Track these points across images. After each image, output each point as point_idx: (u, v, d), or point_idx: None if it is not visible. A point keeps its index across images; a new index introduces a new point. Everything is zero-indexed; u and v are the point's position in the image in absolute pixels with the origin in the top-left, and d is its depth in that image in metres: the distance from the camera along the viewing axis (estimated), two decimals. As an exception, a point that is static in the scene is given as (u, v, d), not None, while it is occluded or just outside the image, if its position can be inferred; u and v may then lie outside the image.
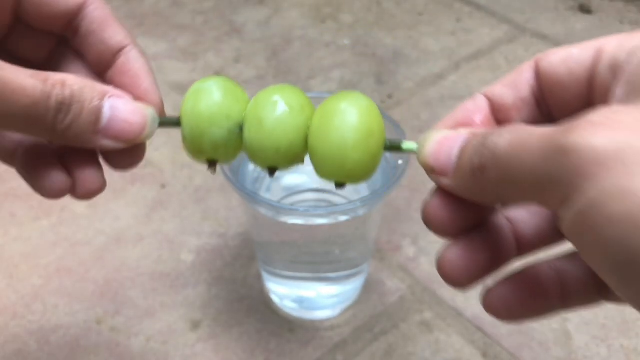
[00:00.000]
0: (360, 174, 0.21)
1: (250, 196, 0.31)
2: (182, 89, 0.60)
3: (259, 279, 0.42)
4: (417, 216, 0.47)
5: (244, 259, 0.43)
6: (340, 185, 0.22)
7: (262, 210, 0.32)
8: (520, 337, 0.38)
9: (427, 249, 0.44)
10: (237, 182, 0.32)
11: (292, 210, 0.32)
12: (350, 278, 0.38)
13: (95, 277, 0.42)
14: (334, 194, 0.39)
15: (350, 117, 0.20)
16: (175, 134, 0.56)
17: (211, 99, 0.22)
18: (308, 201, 0.39)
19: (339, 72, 0.62)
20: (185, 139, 0.23)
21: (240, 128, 0.22)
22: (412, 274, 0.42)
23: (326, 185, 0.39)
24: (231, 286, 0.42)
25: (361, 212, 0.32)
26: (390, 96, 0.59)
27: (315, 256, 0.36)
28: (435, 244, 0.44)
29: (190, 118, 0.22)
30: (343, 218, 0.32)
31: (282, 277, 0.38)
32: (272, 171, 0.23)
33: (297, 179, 0.39)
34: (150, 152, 0.52)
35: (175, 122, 0.23)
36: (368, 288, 0.41)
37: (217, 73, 0.62)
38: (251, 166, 0.37)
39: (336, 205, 0.37)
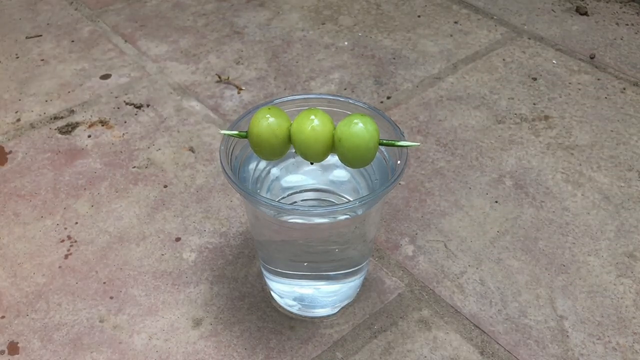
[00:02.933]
0: (368, 162, 0.34)
1: (251, 196, 0.32)
2: (183, 90, 0.60)
3: (260, 277, 0.43)
4: (416, 215, 0.47)
5: (245, 258, 0.44)
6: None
7: (263, 210, 0.33)
8: (517, 334, 0.39)
9: (425, 248, 0.45)
10: (238, 182, 0.32)
11: (292, 210, 0.32)
12: (349, 276, 0.38)
13: (99, 276, 0.43)
14: (333, 193, 0.40)
15: (364, 134, 0.33)
16: (176, 135, 0.56)
17: (267, 121, 0.33)
18: (308, 201, 0.40)
19: (338, 74, 0.63)
20: (252, 147, 0.34)
21: (288, 138, 0.34)
22: (411, 272, 0.43)
23: (325, 185, 0.40)
24: (232, 284, 0.42)
25: (360, 211, 0.33)
26: (389, 97, 0.59)
27: (315, 255, 0.37)
28: (434, 242, 0.45)
29: (255, 133, 0.34)
30: (342, 217, 0.33)
31: (282, 275, 0.38)
32: (312, 163, 0.36)
33: (297, 178, 0.40)
34: (153, 153, 0.53)
35: (244, 136, 0.35)
36: (367, 286, 0.42)
37: (219, 74, 0.62)
38: (252, 166, 0.38)
39: (335, 204, 0.38)
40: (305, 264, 0.37)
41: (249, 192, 0.32)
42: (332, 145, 0.34)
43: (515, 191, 0.49)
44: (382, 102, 0.59)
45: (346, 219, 0.33)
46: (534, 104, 0.58)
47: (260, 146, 0.34)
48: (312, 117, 0.34)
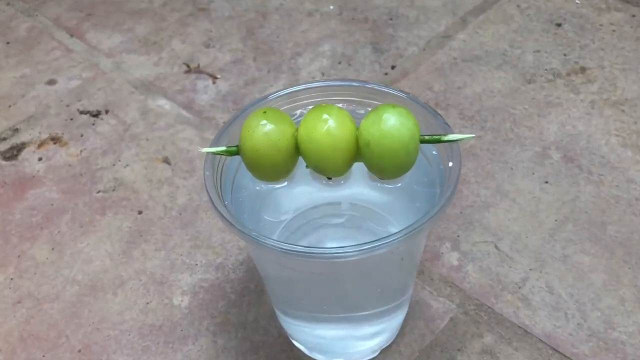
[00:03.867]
0: (407, 169, 0.26)
1: (255, 240, 0.23)
2: (147, 87, 0.50)
3: (274, 318, 0.34)
4: (453, 212, 0.38)
5: (251, 294, 0.35)
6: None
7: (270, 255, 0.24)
8: (608, 355, 0.31)
9: (472, 253, 0.36)
10: (243, 227, 0.23)
11: (311, 254, 0.23)
12: (392, 312, 0.30)
13: (71, 342, 0.34)
14: (354, 204, 0.31)
15: (400, 132, 0.24)
16: (145, 145, 0.46)
17: (264, 129, 0.25)
18: (327, 217, 0.31)
19: (328, 45, 0.53)
20: (248, 166, 0.26)
21: (295, 148, 0.25)
22: (461, 287, 0.35)
23: (343, 197, 0.31)
24: (241, 332, 0.33)
25: (408, 243, 0.24)
26: (393, 66, 0.50)
27: (345, 290, 0.28)
28: (482, 244, 0.37)
29: (250, 147, 0.25)
30: (383, 251, 0.24)
31: (301, 318, 0.30)
32: (329, 177, 0.27)
33: (311, 191, 0.31)
34: (120, 171, 0.43)
35: (235, 152, 0.26)
36: (410, 313, 0.33)
37: (187, 63, 0.52)
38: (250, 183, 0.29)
39: (369, 242, 0.27)
40: (333, 305, 0.28)
41: (252, 235, 0.23)
42: (356, 152, 0.25)
43: (566, 165, 0.41)
44: (386, 73, 0.49)
45: (388, 251, 0.25)
46: (565, 54, 0.49)
47: (259, 165, 0.26)
48: (325, 116, 0.25)
